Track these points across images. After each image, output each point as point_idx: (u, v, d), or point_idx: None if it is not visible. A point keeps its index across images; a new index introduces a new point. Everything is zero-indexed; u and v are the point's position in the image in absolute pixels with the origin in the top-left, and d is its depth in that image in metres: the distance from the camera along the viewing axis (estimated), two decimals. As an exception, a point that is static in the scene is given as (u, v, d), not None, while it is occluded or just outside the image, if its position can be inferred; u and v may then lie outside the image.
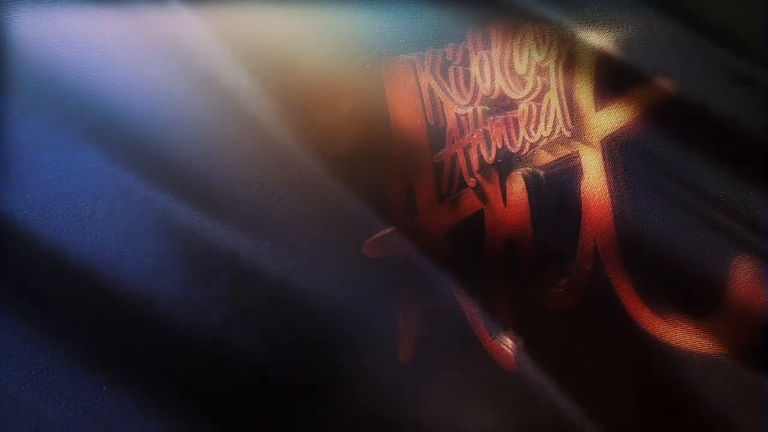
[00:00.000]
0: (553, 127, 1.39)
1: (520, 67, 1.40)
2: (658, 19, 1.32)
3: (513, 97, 1.42)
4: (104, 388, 1.39)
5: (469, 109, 1.46)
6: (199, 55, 1.43)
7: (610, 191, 1.36)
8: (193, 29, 1.42)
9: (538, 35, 1.39)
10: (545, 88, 1.39)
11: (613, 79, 1.35)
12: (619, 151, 1.36)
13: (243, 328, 1.45)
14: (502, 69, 1.42)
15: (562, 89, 1.38)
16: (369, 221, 1.46)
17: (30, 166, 1.41)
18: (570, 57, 1.37)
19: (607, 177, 1.36)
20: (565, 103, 1.38)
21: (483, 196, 1.47)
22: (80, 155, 1.41)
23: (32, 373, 1.37)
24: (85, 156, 1.42)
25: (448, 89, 1.46)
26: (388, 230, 1.47)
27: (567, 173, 1.41)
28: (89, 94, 1.41)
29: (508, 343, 1.45)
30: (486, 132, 1.45)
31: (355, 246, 1.47)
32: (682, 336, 1.32)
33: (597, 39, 1.36)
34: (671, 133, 1.32)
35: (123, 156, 1.42)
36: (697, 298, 1.30)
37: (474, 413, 1.46)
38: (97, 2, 1.41)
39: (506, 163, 1.45)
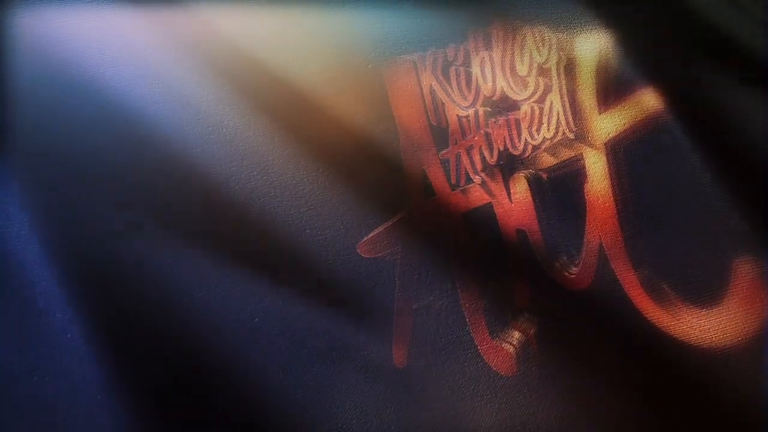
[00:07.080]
0: (556, 128, 1.39)
1: (522, 69, 1.39)
2: (661, 19, 1.34)
3: (515, 98, 1.41)
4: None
5: (471, 111, 1.44)
6: (200, 54, 1.42)
7: (614, 193, 1.36)
8: (195, 28, 1.42)
9: (539, 37, 1.38)
10: (547, 90, 1.38)
11: (615, 81, 1.35)
12: (623, 153, 1.35)
13: (233, 330, 1.43)
14: (503, 70, 1.41)
15: (564, 91, 1.37)
16: (368, 219, 1.44)
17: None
18: (572, 58, 1.37)
19: (611, 179, 1.36)
20: (567, 105, 1.37)
21: (490, 192, 1.47)
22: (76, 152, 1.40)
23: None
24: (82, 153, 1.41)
25: (449, 90, 1.45)
26: (382, 227, 1.45)
27: (570, 176, 1.41)
28: (89, 93, 1.40)
29: (512, 341, 1.43)
30: (488, 134, 1.43)
31: (352, 245, 1.44)
32: (686, 328, 1.33)
33: (599, 40, 1.36)
34: (674, 134, 1.32)
35: (118, 154, 1.40)
36: (700, 292, 1.32)
37: (470, 419, 1.44)
38: (100, 2, 1.40)
39: (508, 165, 1.44)
